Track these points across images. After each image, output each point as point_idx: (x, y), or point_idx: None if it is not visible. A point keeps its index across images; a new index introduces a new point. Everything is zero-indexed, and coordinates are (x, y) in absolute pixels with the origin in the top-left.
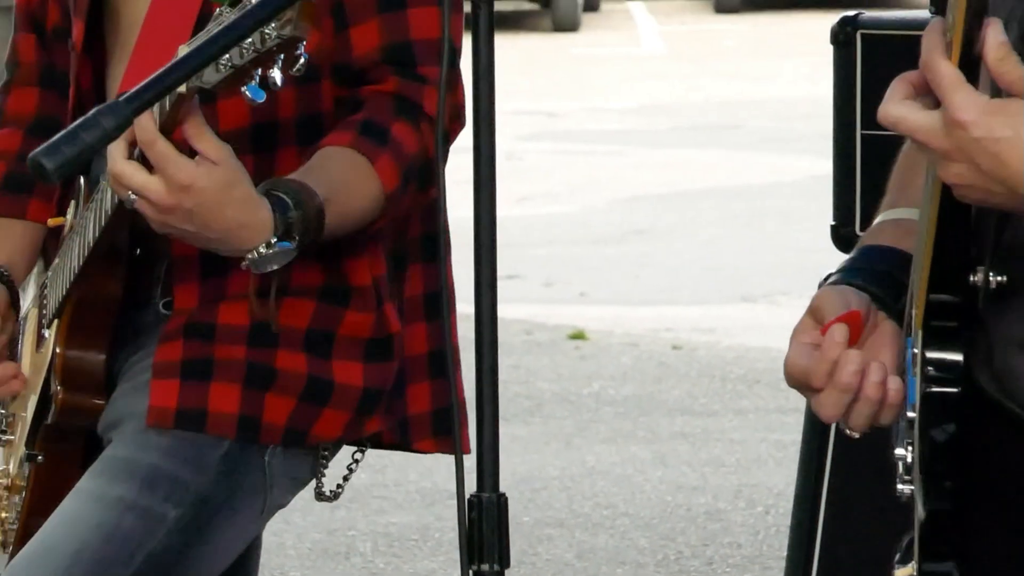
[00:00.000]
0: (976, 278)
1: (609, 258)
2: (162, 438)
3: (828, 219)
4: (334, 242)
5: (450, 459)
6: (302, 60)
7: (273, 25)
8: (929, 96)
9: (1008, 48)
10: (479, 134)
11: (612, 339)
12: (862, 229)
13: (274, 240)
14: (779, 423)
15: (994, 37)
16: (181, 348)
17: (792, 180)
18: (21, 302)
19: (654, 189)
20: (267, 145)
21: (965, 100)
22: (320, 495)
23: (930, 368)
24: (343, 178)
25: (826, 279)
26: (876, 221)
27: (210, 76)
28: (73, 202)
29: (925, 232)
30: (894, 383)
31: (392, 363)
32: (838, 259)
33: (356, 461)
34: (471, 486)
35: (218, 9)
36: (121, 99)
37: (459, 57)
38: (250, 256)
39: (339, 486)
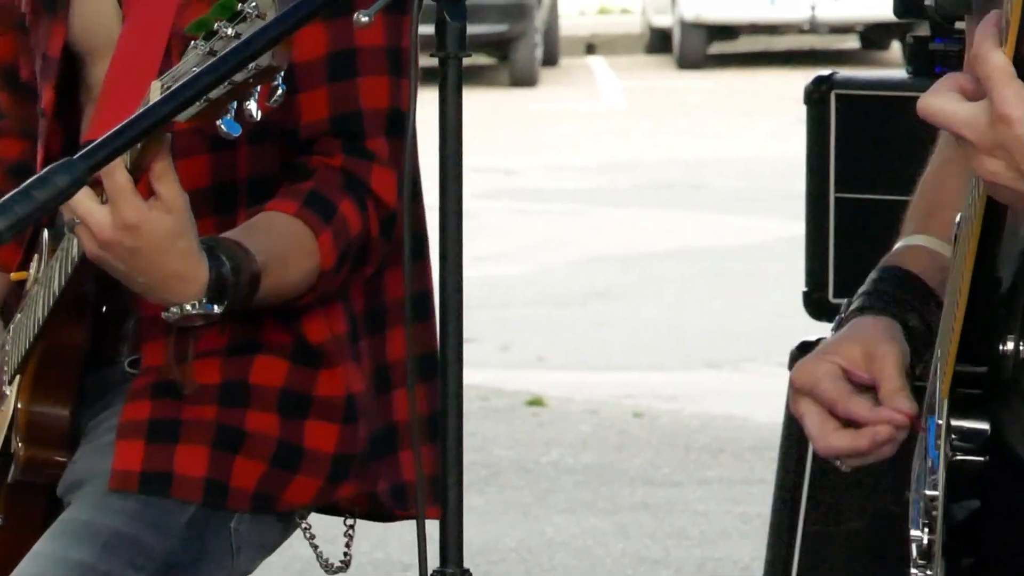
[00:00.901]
0: (1006, 347)
1: (568, 321)
2: (125, 501)
3: (796, 282)
4: (292, 301)
5: (404, 530)
6: (280, 92)
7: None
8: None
9: None
10: (446, 191)
11: (571, 405)
12: (835, 295)
13: (204, 300)
14: (744, 494)
15: None
16: (148, 408)
17: (758, 242)
18: None
19: (615, 250)
20: (228, 207)
21: (1015, 95)
22: (328, 567)
23: (955, 436)
24: (284, 248)
25: (848, 310)
26: (900, 245)
27: (185, 112)
28: (36, 256)
29: (955, 304)
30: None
31: (358, 426)
32: (805, 324)
33: (351, 527)
34: (433, 559)
35: (193, 41)
36: (76, 156)
37: (408, 129)
38: (174, 310)
39: (346, 555)
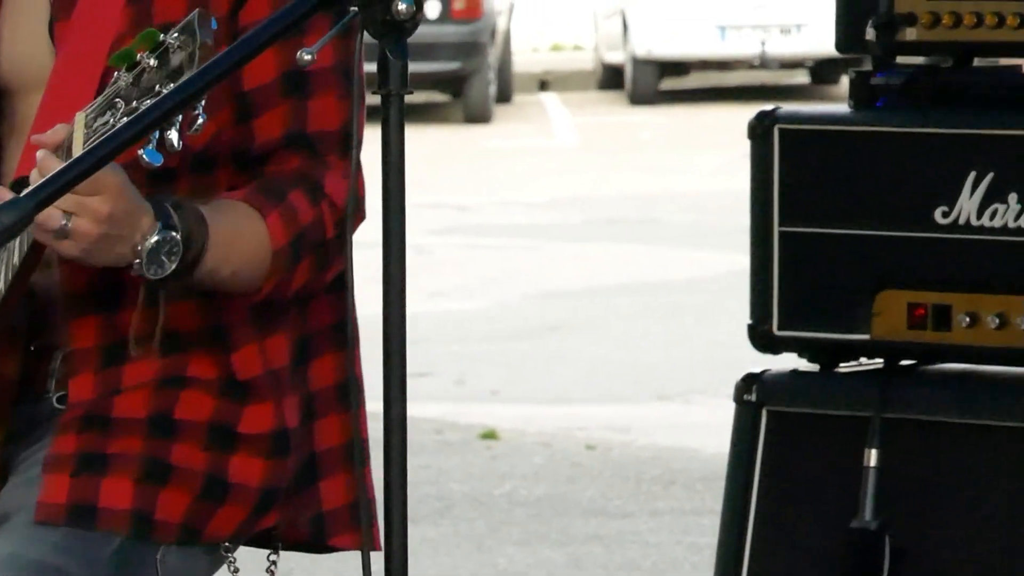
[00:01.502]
0: None
1: (522, 355)
2: (52, 533)
3: (745, 315)
4: (222, 335)
5: (359, 564)
6: (200, 121)
7: (170, 84)
8: None
9: None
10: (389, 229)
11: (524, 438)
12: (780, 328)
13: (159, 225)
14: (695, 525)
15: None
16: (75, 441)
17: (709, 275)
18: None
19: (568, 284)
20: None
21: None
22: None
23: None
24: (230, 212)
25: None
26: None
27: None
28: None
29: None
30: None
31: (288, 460)
32: (754, 356)
33: (274, 563)
34: None
35: (116, 73)
36: (23, 195)
37: (360, 148)
38: (140, 247)
39: None
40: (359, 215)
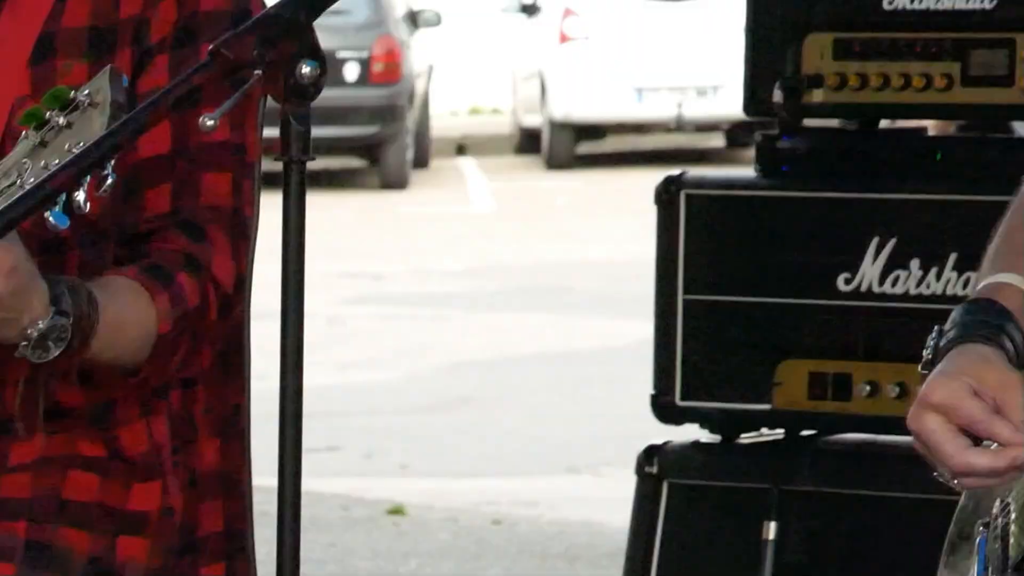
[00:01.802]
0: None
1: (432, 428)
2: None
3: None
4: (108, 411)
5: None
6: (109, 181)
7: (80, 143)
8: None
9: None
10: (287, 300)
11: (431, 514)
12: (682, 399)
13: (52, 310)
14: None
15: None
16: None
17: (620, 345)
18: None
19: (479, 355)
20: None
21: None
22: None
23: None
24: (120, 293)
25: (940, 340)
26: (989, 281)
27: None
28: None
29: None
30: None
31: (174, 540)
32: (664, 428)
33: None
34: None
35: (24, 132)
36: None
37: (250, 228)
38: (29, 331)
39: None
40: (240, 293)
